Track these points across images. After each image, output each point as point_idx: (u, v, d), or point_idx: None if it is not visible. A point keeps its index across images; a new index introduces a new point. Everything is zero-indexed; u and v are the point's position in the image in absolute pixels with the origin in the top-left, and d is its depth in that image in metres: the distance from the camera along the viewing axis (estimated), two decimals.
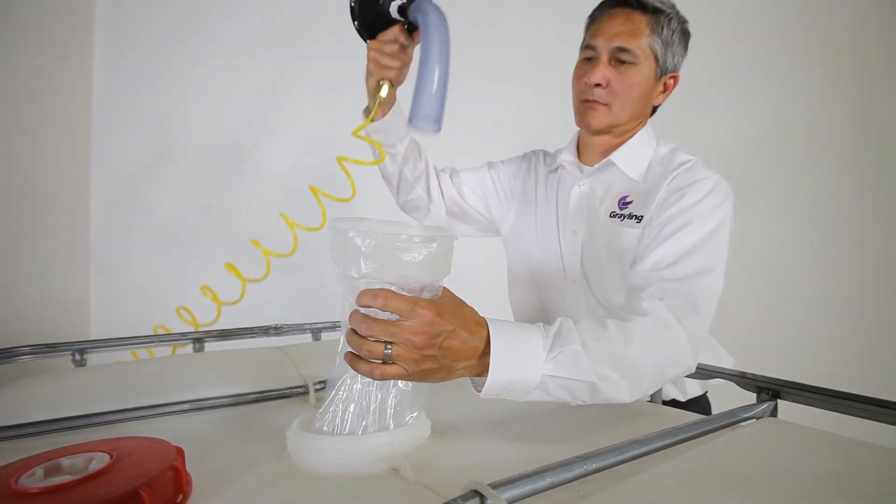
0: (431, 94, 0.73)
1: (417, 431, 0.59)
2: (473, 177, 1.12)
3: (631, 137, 0.94)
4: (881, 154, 2.40)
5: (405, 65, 0.88)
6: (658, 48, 0.88)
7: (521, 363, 0.58)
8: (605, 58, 0.88)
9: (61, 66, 1.57)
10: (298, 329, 1.16)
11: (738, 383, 0.73)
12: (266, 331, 1.14)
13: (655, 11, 0.88)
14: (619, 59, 0.88)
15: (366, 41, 0.88)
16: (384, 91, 0.87)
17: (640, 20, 0.88)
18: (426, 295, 0.57)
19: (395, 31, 0.85)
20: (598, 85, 0.88)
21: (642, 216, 0.87)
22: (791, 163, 2.31)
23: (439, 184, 1.10)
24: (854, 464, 0.52)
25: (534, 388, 0.59)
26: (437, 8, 0.79)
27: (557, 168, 1.04)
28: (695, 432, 0.56)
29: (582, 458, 0.48)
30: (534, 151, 1.13)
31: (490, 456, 0.58)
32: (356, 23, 0.88)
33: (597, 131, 0.93)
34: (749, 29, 2.22)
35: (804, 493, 0.45)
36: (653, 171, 0.91)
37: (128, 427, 0.69)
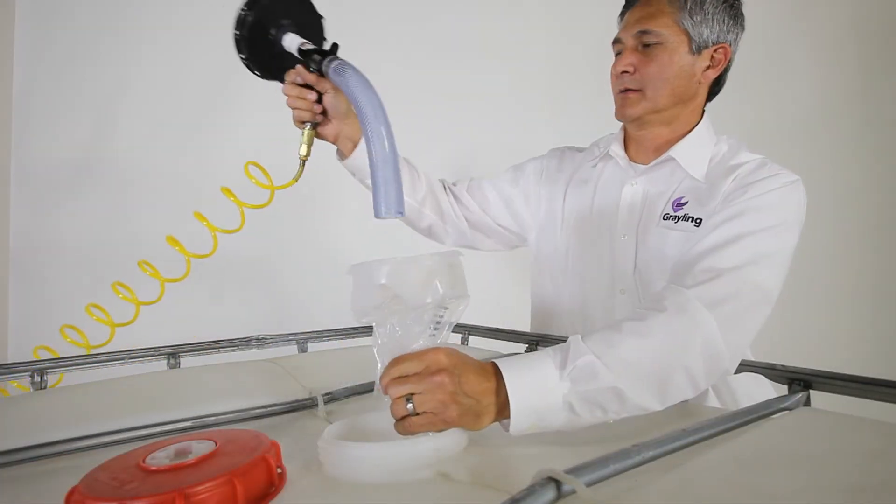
0: (383, 191, 0.67)
1: (458, 437, 0.58)
2: (495, 186, 1.06)
3: (690, 131, 0.90)
4: (886, 144, 2.43)
5: (320, 105, 0.83)
6: (686, 23, 0.85)
7: (538, 385, 0.57)
8: (630, 45, 0.88)
9: None
10: (283, 340, 1.09)
11: (767, 375, 0.73)
12: (248, 342, 1.06)
13: None
14: (644, 42, 0.87)
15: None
16: (304, 134, 0.85)
17: (660, 1, 0.87)
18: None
19: (294, 74, 0.81)
20: (625, 72, 0.88)
21: (700, 219, 0.81)
22: (795, 154, 2.35)
23: (452, 199, 1.04)
24: None
25: (560, 411, 0.57)
26: (361, 80, 0.70)
27: (597, 162, 0.98)
28: (731, 423, 0.57)
29: (639, 447, 0.49)
30: (562, 147, 1.09)
31: (533, 454, 0.57)
32: (243, 56, 0.82)
33: (635, 119, 0.90)
34: (749, 21, 2.28)
35: (856, 470, 0.47)
36: (713, 170, 0.85)
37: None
